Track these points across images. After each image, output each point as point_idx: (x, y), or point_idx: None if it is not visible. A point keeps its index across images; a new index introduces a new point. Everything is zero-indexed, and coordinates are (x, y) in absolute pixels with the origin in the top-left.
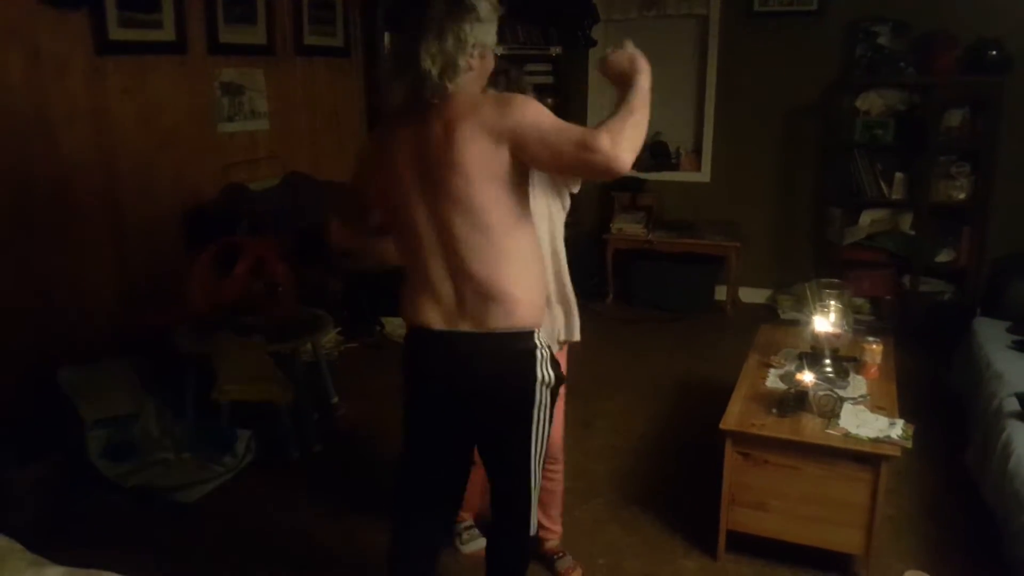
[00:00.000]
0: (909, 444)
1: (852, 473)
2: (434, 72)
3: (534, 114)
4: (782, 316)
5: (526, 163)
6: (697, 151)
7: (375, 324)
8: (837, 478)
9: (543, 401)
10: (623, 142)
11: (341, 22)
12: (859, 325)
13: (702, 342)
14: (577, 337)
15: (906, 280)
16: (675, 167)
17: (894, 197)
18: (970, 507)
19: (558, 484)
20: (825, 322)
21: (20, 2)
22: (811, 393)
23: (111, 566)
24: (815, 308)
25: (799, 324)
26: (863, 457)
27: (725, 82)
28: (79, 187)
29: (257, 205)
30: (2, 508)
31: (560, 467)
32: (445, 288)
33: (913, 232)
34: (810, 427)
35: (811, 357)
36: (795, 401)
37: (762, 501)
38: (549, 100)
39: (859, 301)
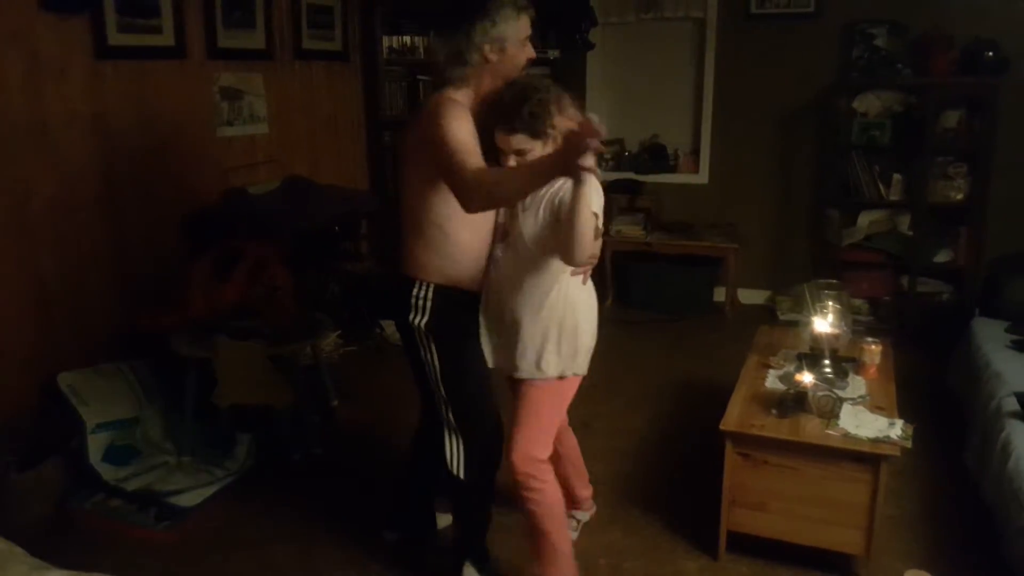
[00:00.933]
0: (908, 444)
1: (852, 473)
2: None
3: (430, 121)
4: (781, 317)
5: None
6: (695, 153)
7: (375, 327)
8: (837, 478)
9: (421, 342)
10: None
11: (340, 26)
12: (858, 326)
13: (701, 343)
14: (517, 373)
15: (904, 281)
16: (673, 169)
17: (892, 198)
18: (969, 507)
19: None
20: (824, 323)
21: (20, 7)
22: (810, 394)
23: (111, 570)
24: (814, 309)
25: (798, 325)
26: (863, 457)
27: (722, 84)
28: (79, 191)
29: (256, 209)
30: (3, 511)
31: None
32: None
33: (911, 233)
34: (810, 428)
35: (810, 358)
36: (795, 402)
37: (762, 502)
38: None
39: (858, 302)
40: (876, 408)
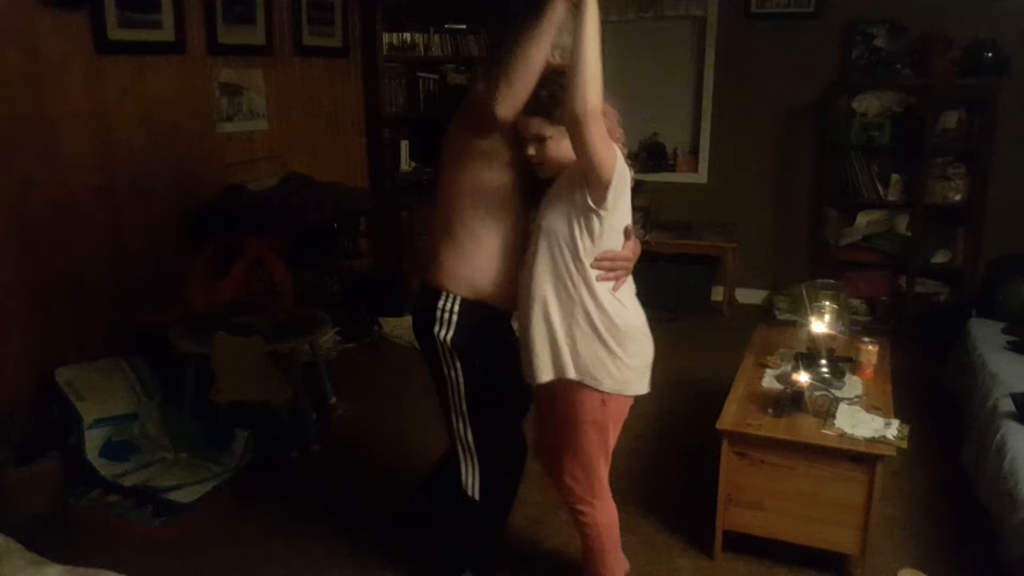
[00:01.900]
0: (904, 444)
1: (848, 473)
2: None
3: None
4: (778, 317)
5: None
6: (694, 152)
7: (373, 324)
8: (833, 478)
9: (445, 358)
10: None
11: (340, 22)
12: (855, 326)
13: (698, 342)
14: (533, 379)
15: (902, 281)
16: (672, 168)
17: (890, 198)
18: (965, 507)
19: (593, 528)
20: (821, 323)
21: (20, 2)
22: (807, 393)
23: (109, 565)
24: (811, 309)
25: (795, 325)
26: (859, 457)
27: (722, 83)
28: (78, 187)
29: (256, 205)
30: (1, 506)
31: (591, 509)
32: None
33: (909, 233)
34: (806, 427)
35: (807, 358)
36: (791, 401)
37: (758, 501)
38: None
39: (855, 302)
40: (872, 408)
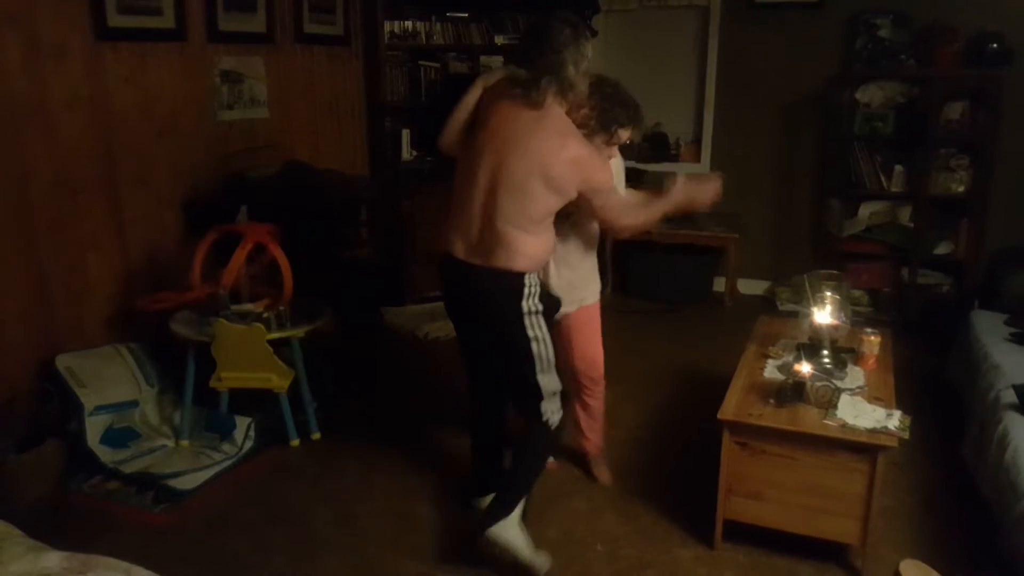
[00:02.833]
0: (906, 435)
1: (849, 463)
2: (571, 77)
3: (588, 171)
4: (780, 308)
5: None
6: (697, 142)
7: (374, 313)
8: (834, 468)
9: (532, 321)
10: (628, 220)
11: (341, 10)
12: (857, 317)
13: (700, 333)
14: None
15: (904, 272)
16: (675, 158)
17: (893, 189)
18: (966, 498)
19: (598, 403)
20: (823, 313)
21: None
22: (809, 384)
23: (109, 552)
24: (813, 300)
25: (797, 315)
26: (860, 448)
27: (725, 73)
28: (78, 174)
29: (256, 193)
30: (1, 493)
31: (600, 388)
32: (474, 228)
33: (912, 224)
34: (807, 418)
35: (809, 348)
36: (793, 392)
37: (759, 491)
38: None
39: (857, 293)
40: (874, 399)
